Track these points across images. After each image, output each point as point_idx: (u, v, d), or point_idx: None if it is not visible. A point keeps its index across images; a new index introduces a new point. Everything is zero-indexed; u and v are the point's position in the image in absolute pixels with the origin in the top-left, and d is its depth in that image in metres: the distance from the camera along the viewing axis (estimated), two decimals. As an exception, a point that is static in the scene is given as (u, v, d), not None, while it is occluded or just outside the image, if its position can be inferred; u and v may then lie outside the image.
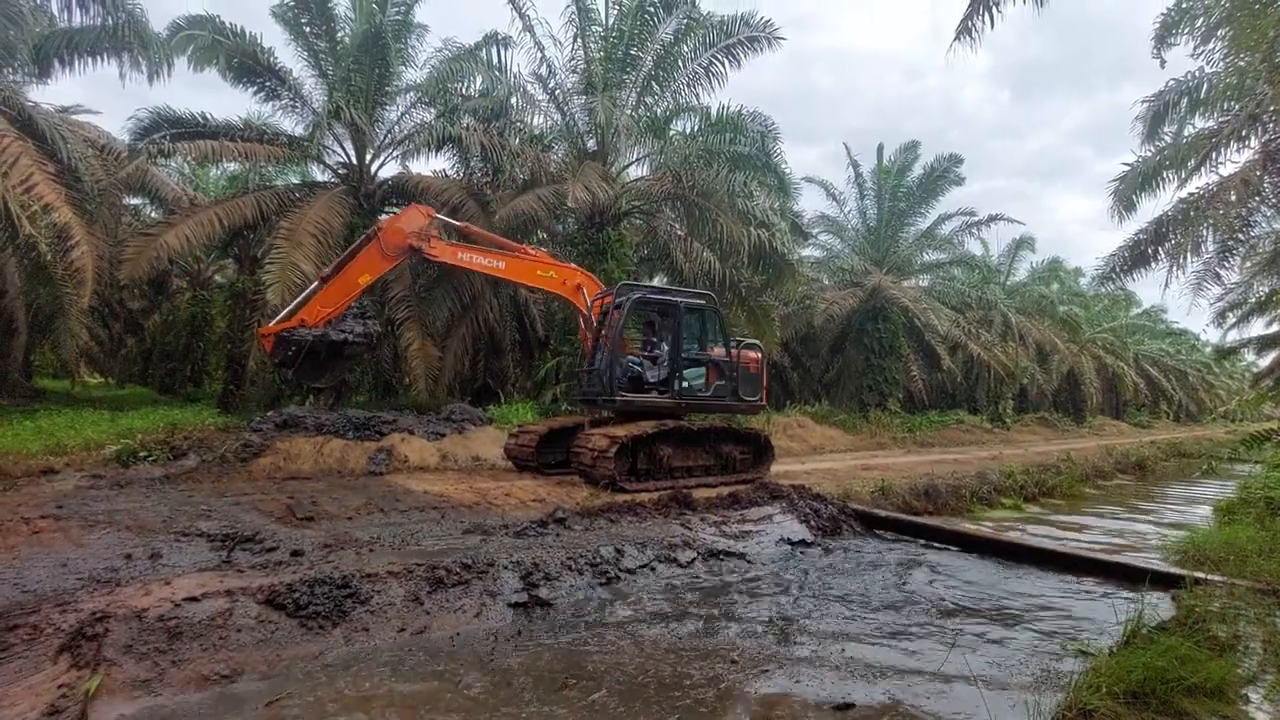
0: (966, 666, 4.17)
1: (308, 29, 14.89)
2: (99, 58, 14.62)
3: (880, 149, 24.40)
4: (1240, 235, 12.55)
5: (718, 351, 10.45)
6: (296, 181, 18.01)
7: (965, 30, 8.45)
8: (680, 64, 15.61)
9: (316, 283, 10.38)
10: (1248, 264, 15.23)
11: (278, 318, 10.24)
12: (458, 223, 10.89)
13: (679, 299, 10.35)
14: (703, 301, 10.59)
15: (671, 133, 17.10)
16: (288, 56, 15.13)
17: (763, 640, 4.57)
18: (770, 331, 18.23)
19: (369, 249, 9.92)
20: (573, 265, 11.82)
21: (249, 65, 14.47)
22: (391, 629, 4.34)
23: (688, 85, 15.92)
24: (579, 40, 15.62)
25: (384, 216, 17.37)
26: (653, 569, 5.87)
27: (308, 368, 10.23)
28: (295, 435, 10.76)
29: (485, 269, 10.69)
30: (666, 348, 10.32)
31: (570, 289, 10.97)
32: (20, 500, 7.15)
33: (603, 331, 10.02)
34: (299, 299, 10.27)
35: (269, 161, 16.13)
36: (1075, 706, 3.30)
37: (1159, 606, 4.92)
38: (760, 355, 10.87)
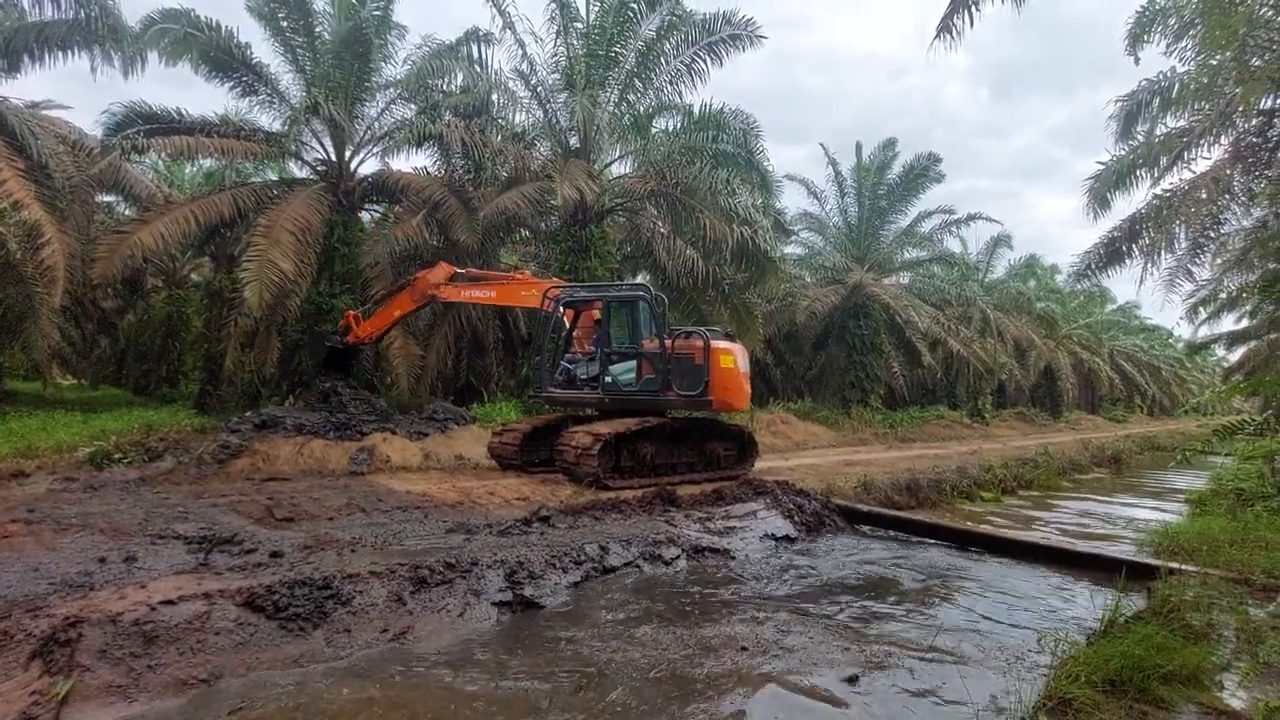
0: (951, 654, 4.22)
1: (284, 24, 14.65)
2: (70, 51, 14.27)
3: (859, 147, 24.60)
4: (1211, 233, 12.82)
5: (651, 344, 9.90)
6: (274, 178, 17.73)
7: (946, 29, 8.55)
8: (662, 61, 15.61)
9: (371, 304, 12.85)
10: (1219, 261, 15.56)
11: (364, 309, 12.63)
12: (462, 269, 12.19)
13: (604, 294, 10.49)
14: (636, 294, 10.41)
15: (654, 130, 17.10)
16: (265, 52, 14.88)
17: (760, 630, 4.61)
18: (754, 329, 18.30)
19: (404, 293, 11.81)
20: (552, 280, 12.33)
21: (224, 60, 14.22)
22: (374, 629, 4.29)
23: (670, 83, 15.94)
24: (561, 37, 15.55)
25: (364, 214, 17.28)
26: (638, 566, 5.87)
27: (322, 357, 12.76)
28: (274, 436, 10.62)
29: (481, 300, 12.38)
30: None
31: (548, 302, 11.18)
32: (-11, 504, 6.97)
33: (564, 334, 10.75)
34: (369, 305, 12.76)
35: (246, 158, 15.87)
36: (1055, 695, 3.34)
37: (1135, 597, 5.02)
38: (705, 343, 9.66)
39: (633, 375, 10.02)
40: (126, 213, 18.27)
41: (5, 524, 5.92)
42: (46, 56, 14.36)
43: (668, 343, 9.69)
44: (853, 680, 3.83)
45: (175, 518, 6.61)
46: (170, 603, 3.95)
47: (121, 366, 23.91)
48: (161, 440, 10.45)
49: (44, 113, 15.71)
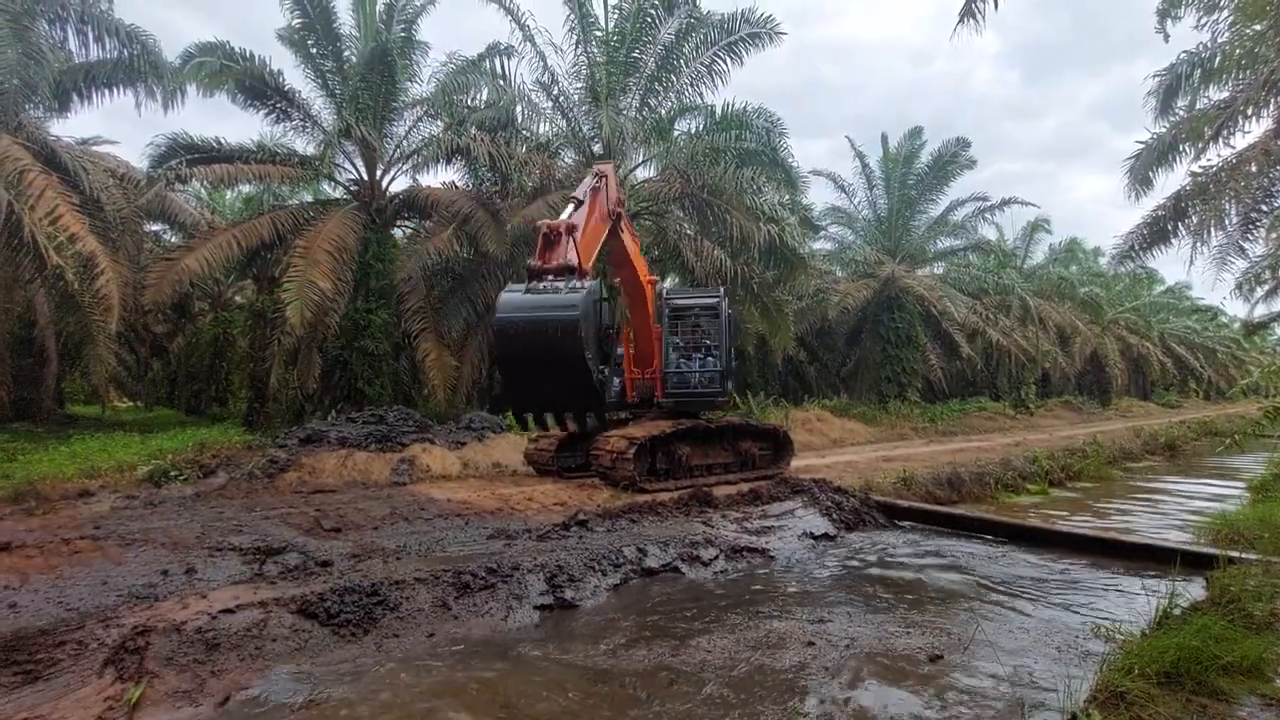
0: (1000, 646, 4.15)
1: (314, 50, 15.13)
2: (115, 89, 15.00)
3: (885, 138, 24.24)
4: (1263, 206, 12.30)
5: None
6: (310, 200, 18.27)
7: (969, 13, 8.40)
8: (682, 64, 15.65)
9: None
10: (1273, 235, 14.90)
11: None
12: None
13: (713, 300, 10.67)
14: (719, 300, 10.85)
15: (676, 132, 17.12)
16: (296, 78, 15.40)
17: (819, 626, 4.64)
18: (785, 326, 18.17)
19: (594, 223, 8.40)
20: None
21: (258, 88, 14.73)
22: (421, 634, 4.41)
23: (691, 84, 15.98)
24: (581, 46, 15.70)
25: (396, 230, 17.62)
26: (677, 568, 5.89)
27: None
28: (319, 450, 10.93)
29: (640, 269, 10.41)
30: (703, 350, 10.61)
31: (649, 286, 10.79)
32: (59, 522, 7.34)
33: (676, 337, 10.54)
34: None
35: (283, 182, 16.42)
36: (1107, 688, 3.27)
37: (1192, 587, 4.86)
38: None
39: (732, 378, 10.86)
40: (172, 240, 19.03)
41: (75, 540, 6.23)
42: (94, 95, 15.12)
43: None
44: (936, 659, 3.98)
45: (230, 531, 6.86)
46: (230, 611, 4.13)
47: (173, 388, 24.87)
48: (214, 457, 10.85)
49: (93, 149, 16.51)
